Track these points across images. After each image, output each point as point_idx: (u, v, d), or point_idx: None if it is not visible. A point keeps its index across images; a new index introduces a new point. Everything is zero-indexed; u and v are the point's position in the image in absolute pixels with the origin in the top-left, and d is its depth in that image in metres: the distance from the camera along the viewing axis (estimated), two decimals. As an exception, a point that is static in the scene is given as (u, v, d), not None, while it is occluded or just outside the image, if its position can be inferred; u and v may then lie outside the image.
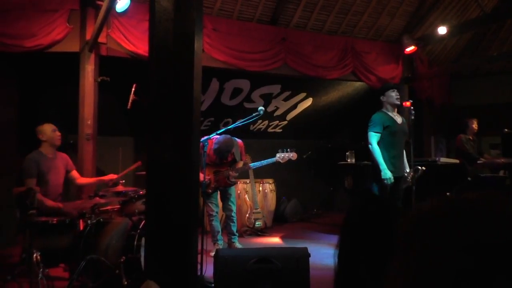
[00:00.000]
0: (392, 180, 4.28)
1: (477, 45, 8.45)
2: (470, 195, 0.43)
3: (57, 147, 4.35)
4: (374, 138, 4.39)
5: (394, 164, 4.42)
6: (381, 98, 4.61)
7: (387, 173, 4.26)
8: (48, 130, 4.24)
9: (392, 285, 0.45)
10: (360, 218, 1.10)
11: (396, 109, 4.60)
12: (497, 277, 0.36)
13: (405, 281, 0.42)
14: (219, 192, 5.21)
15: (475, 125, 6.32)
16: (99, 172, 5.65)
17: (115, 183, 4.27)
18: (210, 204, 5.12)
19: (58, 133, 4.29)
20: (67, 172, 4.41)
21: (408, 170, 4.56)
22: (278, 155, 5.11)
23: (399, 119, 4.58)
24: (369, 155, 4.46)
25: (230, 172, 5.01)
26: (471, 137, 6.28)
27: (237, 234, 5.23)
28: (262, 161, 5.20)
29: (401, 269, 0.44)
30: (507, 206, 0.41)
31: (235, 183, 5.18)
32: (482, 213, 0.41)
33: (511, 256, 0.37)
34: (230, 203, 5.16)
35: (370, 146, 4.40)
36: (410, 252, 0.43)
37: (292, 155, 5.15)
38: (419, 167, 4.53)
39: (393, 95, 4.52)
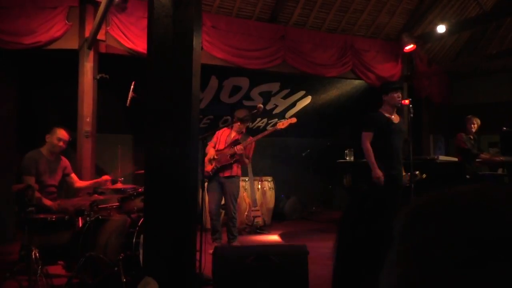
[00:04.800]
0: (383, 179, 4.31)
1: (476, 43, 8.45)
2: (467, 187, 0.44)
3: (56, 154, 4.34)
4: (366, 138, 4.45)
5: (392, 162, 4.44)
6: (383, 96, 4.60)
7: (377, 172, 4.33)
8: (55, 137, 4.21)
9: (388, 279, 0.45)
10: (358, 214, 1.11)
11: (395, 109, 4.62)
12: (495, 267, 0.36)
13: (402, 274, 0.42)
14: (221, 189, 5.17)
15: (474, 125, 6.25)
16: (98, 170, 5.65)
17: (114, 181, 4.27)
18: (212, 203, 5.12)
19: (62, 144, 4.25)
20: (65, 175, 4.40)
21: (404, 173, 4.57)
22: (278, 123, 5.18)
23: (396, 119, 4.59)
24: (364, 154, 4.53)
25: (236, 148, 5.02)
26: (471, 136, 6.27)
27: (236, 235, 5.21)
28: (264, 132, 5.17)
29: (397, 263, 0.44)
30: (503, 198, 0.41)
31: (235, 161, 5.12)
32: (479, 204, 0.41)
33: (509, 246, 0.37)
34: (231, 204, 5.14)
35: (363, 146, 4.46)
36: (407, 245, 0.43)
37: (292, 119, 5.24)
38: (417, 173, 4.52)
39: (396, 96, 4.52)
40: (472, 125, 6.23)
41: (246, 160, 5.24)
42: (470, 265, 0.37)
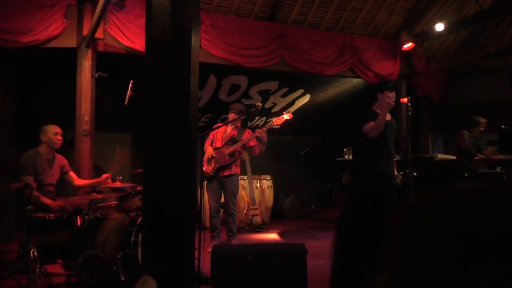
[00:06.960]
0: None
1: (475, 42, 8.45)
2: (460, 185, 0.44)
3: (56, 150, 4.33)
4: (366, 127, 4.45)
5: (386, 158, 4.47)
6: (378, 94, 4.62)
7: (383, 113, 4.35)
8: (50, 132, 4.21)
9: (385, 278, 0.45)
10: (356, 212, 1.11)
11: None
12: (485, 263, 0.36)
13: (396, 273, 0.42)
14: (221, 187, 5.17)
15: (482, 127, 6.25)
16: (96, 168, 5.64)
17: (113, 179, 4.26)
18: (212, 201, 5.12)
19: (59, 137, 4.25)
20: (63, 173, 4.39)
21: (396, 173, 4.59)
22: (274, 119, 5.12)
23: (388, 117, 4.60)
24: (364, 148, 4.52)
25: (232, 147, 5.02)
26: (473, 135, 6.26)
27: (235, 232, 5.22)
28: (263, 128, 5.10)
29: (391, 261, 0.44)
30: (495, 195, 0.41)
31: (234, 160, 5.11)
32: (471, 201, 0.41)
33: (500, 243, 0.37)
34: (230, 202, 5.14)
35: (369, 133, 4.41)
36: (400, 243, 0.43)
37: (288, 115, 5.16)
38: (407, 171, 4.52)
39: (391, 96, 4.54)
40: (482, 128, 6.24)
41: (260, 148, 5.16)
42: (468, 262, 0.37)
